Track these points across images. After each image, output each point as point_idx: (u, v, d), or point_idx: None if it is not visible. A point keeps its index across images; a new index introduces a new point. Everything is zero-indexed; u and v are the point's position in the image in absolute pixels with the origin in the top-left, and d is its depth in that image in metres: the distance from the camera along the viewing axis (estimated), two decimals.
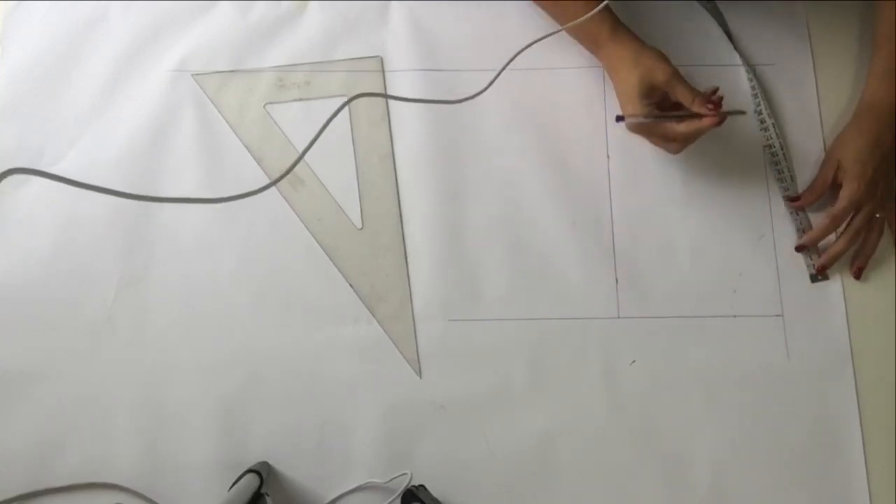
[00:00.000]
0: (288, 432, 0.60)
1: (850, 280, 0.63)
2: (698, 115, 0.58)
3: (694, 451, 0.60)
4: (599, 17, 0.59)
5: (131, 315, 0.63)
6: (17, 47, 0.71)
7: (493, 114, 0.68)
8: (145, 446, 0.60)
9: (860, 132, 0.62)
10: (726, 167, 0.67)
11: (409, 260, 0.65)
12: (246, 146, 0.68)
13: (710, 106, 0.57)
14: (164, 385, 0.61)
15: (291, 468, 0.59)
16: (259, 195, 0.66)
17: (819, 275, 0.63)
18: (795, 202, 0.64)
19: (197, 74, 0.70)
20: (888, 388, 0.61)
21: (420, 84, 0.69)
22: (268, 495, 0.54)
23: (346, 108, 0.68)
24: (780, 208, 0.66)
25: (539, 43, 0.70)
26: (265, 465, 0.58)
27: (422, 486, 0.57)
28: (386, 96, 0.57)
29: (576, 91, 0.69)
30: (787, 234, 0.65)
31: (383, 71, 0.70)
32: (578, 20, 0.56)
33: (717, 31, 0.71)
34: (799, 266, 0.64)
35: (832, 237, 0.64)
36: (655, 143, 0.64)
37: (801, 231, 0.65)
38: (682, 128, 0.59)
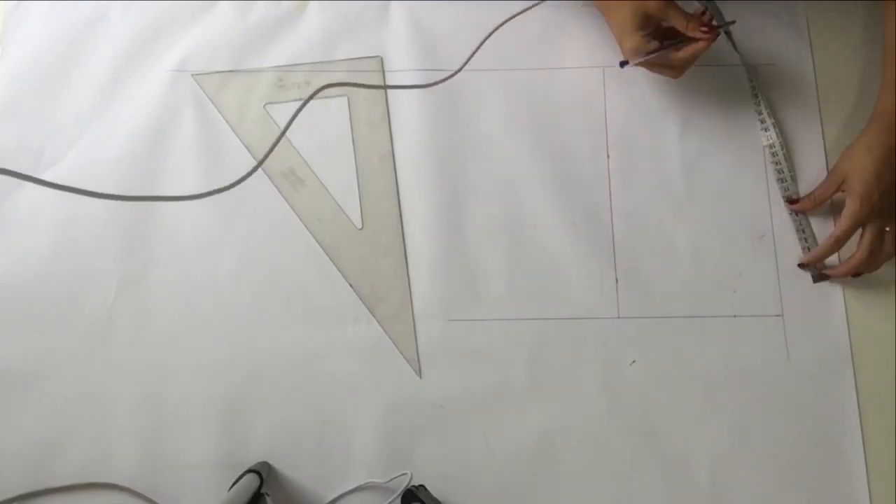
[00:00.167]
0: (288, 432, 0.60)
1: (850, 280, 0.63)
2: (693, 39, 0.60)
3: (694, 451, 0.60)
4: None
5: (131, 315, 0.63)
6: (17, 47, 0.71)
7: (493, 114, 0.68)
8: (145, 446, 0.60)
9: (869, 148, 0.60)
10: (726, 167, 0.67)
11: (409, 260, 0.65)
12: (246, 146, 0.68)
13: (704, 29, 0.59)
14: (164, 385, 0.61)
15: (291, 468, 0.59)
16: (259, 195, 0.66)
17: (821, 276, 0.63)
18: (793, 204, 0.64)
19: (197, 74, 0.70)
20: (888, 388, 0.61)
21: (420, 84, 0.69)
22: (268, 495, 0.54)
23: (347, 108, 0.69)
24: (780, 208, 0.66)
25: (539, 43, 0.71)
26: (265, 465, 0.58)
27: (422, 486, 0.57)
28: (352, 85, 0.56)
29: (576, 91, 0.69)
30: (787, 234, 0.65)
31: (383, 71, 0.70)
32: None
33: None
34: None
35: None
36: (655, 72, 0.65)
37: (801, 231, 0.65)
38: (681, 54, 0.61)
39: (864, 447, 0.59)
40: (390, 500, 0.58)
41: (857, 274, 0.62)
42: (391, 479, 0.58)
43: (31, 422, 0.60)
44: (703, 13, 0.61)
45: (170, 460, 0.59)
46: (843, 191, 0.62)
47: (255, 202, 0.66)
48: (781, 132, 0.67)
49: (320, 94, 0.68)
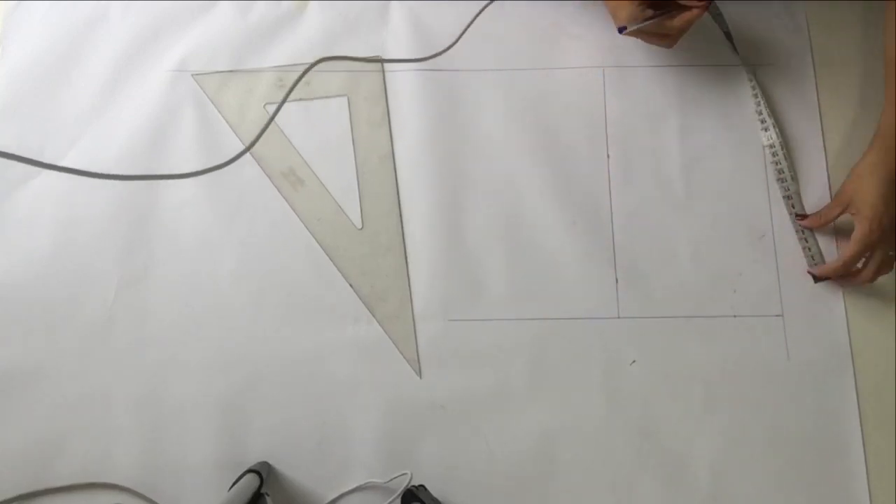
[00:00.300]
0: (288, 432, 0.60)
1: None
2: (687, 7, 0.60)
3: (694, 450, 0.60)
4: None
5: (131, 315, 0.63)
6: (17, 47, 0.71)
7: (493, 114, 0.68)
8: (145, 446, 0.60)
9: (873, 170, 0.59)
10: (726, 167, 0.67)
11: (409, 260, 0.65)
12: (246, 146, 0.68)
13: None
14: (164, 385, 0.61)
15: (291, 468, 0.59)
16: (259, 195, 0.66)
17: (822, 277, 0.63)
18: (802, 220, 0.64)
19: (197, 74, 0.70)
20: (888, 388, 0.61)
21: (420, 84, 0.69)
22: (268, 495, 0.54)
23: (347, 108, 0.69)
24: (780, 208, 0.66)
25: (539, 43, 0.71)
26: (265, 465, 0.58)
27: (422, 486, 0.57)
28: (342, 58, 0.56)
29: (576, 91, 0.69)
30: (787, 234, 0.65)
31: (383, 71, 0.70)
32: None
33: (717, 31, 0.71)
34: (799, 266, 0.64)
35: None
36: (649, 42, 0.65)
37: (801, 232, 0.65)
38: (676, 22, 0.61)
39: (864, 447, 0.59)
40: (390, 500, 0.58)
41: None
42: (391, 479, 0.58)
43: (31, 422, 0.60)
44: None
45: (170, 460, 0.59)
46: (850, 213, 0.61)
47: (255, 202, 0.66)
48: (781, 132, 0.67)
49: (320, 94, 0.68)
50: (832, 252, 0.64)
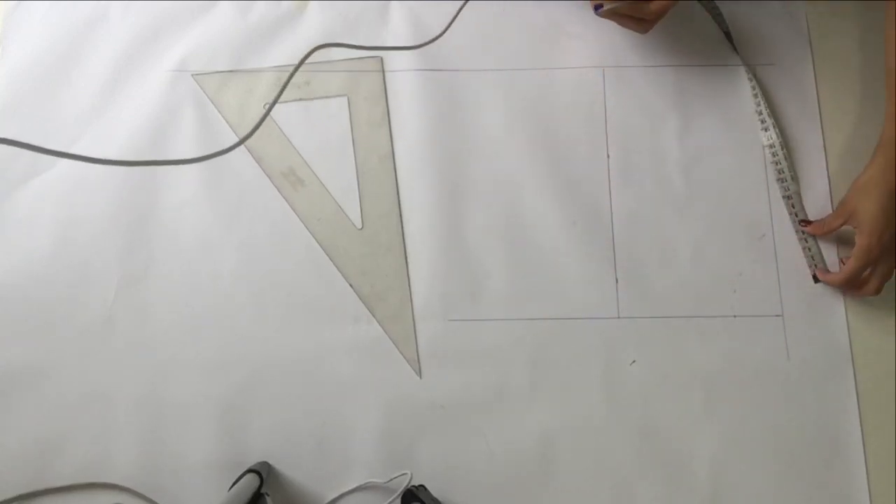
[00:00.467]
0: (288, 432, 0.60)
1: None
2: None
3: (694, 451, 0.60)
4: None
5: (131, 315, 0.63)
6: (17, 47, 0.71)
7: (493, 114, 0.68)
8: (145, 446, 0.60)
9: (875, 183, 0.59)
10: (726, 167, 0.67)
11: (409, 260, 0.65)
12: (246, 146, 0.68)
13: None
14: (164, 385, 0.61)
15: (291, 468, 0.59)
16: (259, 195, 0.66)
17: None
18: (805, 226, 0.64)
19: (197, 74, 0.70)
20: (888, 388, 0.61)
21: (420, 84, 0.69)
22: (268, 495, 0.54)
23: (347, 108, 0.69)
24: (780, 208, 0.66)
25: (539, 43, 0.71)
26: (265, 465, 0.58)
27: (422, 486, 0.57)
28: (336, 45, 0.56)
29: (576, 91, 0.69)
30: (787, 234, 0.65)
31: (383, 71, 0.70)
32: None
33: (717, 31, 0.71)
34: (799, 266, 0.64)
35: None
36: (625, 26, 0.64)
37: (801, 233, 0.65)
38: (652, 6, 0.60)
39: (864, 447, 0.59)
40: (390, 500, 0.58)
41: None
42: (391, 479, 0.58)
43: (32, 422, 0.60)
44: None
45: (170, 460, 0.59)
46: (852, 225, 0.61)
47: (255, 202, 0.66)
48: (781, 132, 0.67)
49: (320, 94, 0.68)
50: (832, 253, 0.64)
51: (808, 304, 0.63)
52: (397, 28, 0.71)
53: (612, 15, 0.63)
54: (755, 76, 0.69)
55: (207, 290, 0.64)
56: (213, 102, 0.69)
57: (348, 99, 0.69)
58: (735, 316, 0.63)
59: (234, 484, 0.56)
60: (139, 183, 0.66)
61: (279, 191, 0.67)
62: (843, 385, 0.61)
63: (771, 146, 0.67)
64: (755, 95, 0.68)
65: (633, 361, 0.62)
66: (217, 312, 0.63)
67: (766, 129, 0.67)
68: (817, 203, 0.65)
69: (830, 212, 0.64)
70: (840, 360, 0.62)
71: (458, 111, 0.69)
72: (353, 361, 0.62)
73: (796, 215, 0.65)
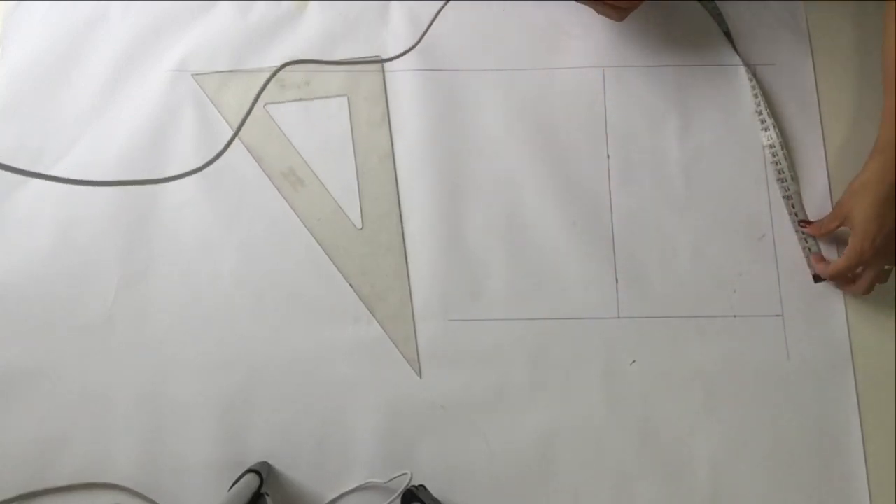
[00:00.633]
0: (288, 432, 0.60)
1: None
2: None
3: (694, 451, 0.60)
4: None
5: (131, 315, 0.63)
6: (17, 47, 0.71)
7: (493, 114, 0.68)
8: (145, 446, 0.60)
9: (869, 187, 0.59)
10: (726, 167, 0.67)
11: (409, 260, 0.65)
12: (246, 146, 0.68)
13: None
14: (164, 385, 0.61)
15: (291, 468, 0.59)
16: (259, 195, 0.66)
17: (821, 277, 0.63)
18: (804, 227, 0.64)
19: (197, 74, 0.70)
20: (888, 388, 0.61)
21: (420, 84, 0.69)
22: (268, 495, 0.54)
23: (347, 108, 0.69)
24: (780, 208, 0.66)
25: (539, 43, 0.71)
26: (265, 465, 0.58)
27: (422, 486, 0.57)
28: (309, 62, 0.56)
29: (576, 91, 0.69)
30: (787, 234, 0.65)
31: (383, 71, 0.70)
32: None
33: (717, 31, 0.71)
34: (799, 266, 0.64)
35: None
36: (600, 12, 0.65)
37: (802, 233, 0.65)
38: None
39: (864, 447, 0.59)
40: (390, 500, 0.58)
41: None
42: (391, 479, 0.58)
43: (31, 421, 0.60)
44: None
45: (170, 460, 0.59)
46: (847, 227, 0.61)
47: (255, 202, 0.66)
48: (781, 132, 0.67)
49: (320, 94, 0.68)
50: (833, 254, 0.64)
51: (808, 304, 0.63)
52: (397, 28, 0.71)
53: (589, 0, 0.63)
54: (755, 76, 0.69)
55: (207, 290, 0.64)
56: (213, 102, 0.69)
57: (348, 99, 0.69)
58: (735, 316, 0.63)
59: (234, 484, 0.56)
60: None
61: (279, 191, 0.67)
62: (843, 385, 0.61)
63: (771, 146, 0.67)
64: (755, 95, 0.68)
65: (633, 361, 0.62)
66: (217, 312, 0.63)
67: (766, 129, 0.67)
68: (817, 203, 0.65)
69: (829, 212, 0.64)
70: (840, 360, 0.62)
71: (458, 111, 0.69)
72: (353, 361, 0.62)
73: (796, 215, 0.65)
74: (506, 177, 0.67)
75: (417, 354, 0.62)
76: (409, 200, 0.66)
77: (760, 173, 0.67)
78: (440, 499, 0.56)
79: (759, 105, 0.68)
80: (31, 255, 0.65)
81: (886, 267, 0.60)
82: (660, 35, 0.71)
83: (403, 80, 0.70)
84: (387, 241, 0.65)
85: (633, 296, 0.63)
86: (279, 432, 0.60)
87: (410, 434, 0.60)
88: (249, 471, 0.56)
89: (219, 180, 0.67)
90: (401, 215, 0.66)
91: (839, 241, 0.64)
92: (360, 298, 0.64)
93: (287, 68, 0.70)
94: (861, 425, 0.60)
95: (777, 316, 0.63)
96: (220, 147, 0.68)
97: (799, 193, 0.65)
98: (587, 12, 0.71)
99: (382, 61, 0.67)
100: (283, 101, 0.69)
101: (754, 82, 0.68)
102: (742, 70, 0.69)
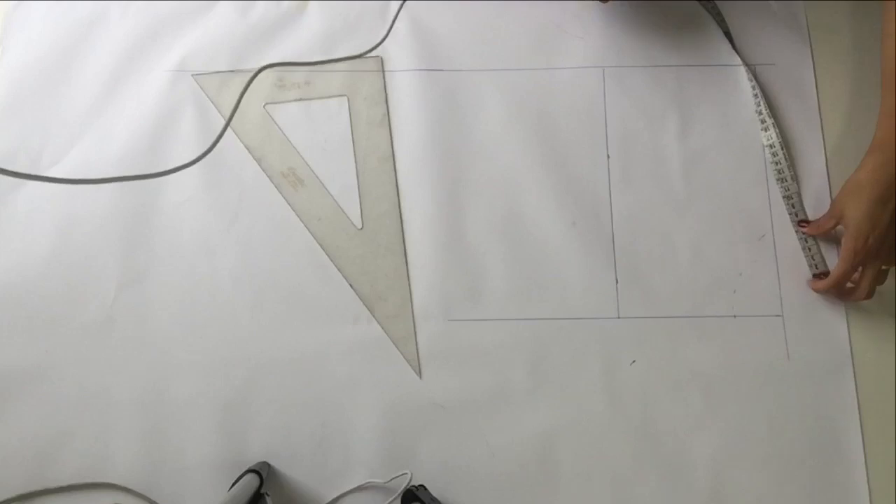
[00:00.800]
0: (288, 432, 0.60)
1: None
2: None
3: (694, 451, 0.60)
4: None
5: (131, 315, 0.63)
6: (17, 47, 0.71)
7: (493, 114, 0.68)
8: (145, 446, 0.60)
9: (863, 187, 0.59)
10: (726, 167, 0.67)
11: (409, 260, 0.65)
12: (246, 146, 0.68)
13: None
14: (164, 385, 0.61)
15: (291, 468, 0.59)
16: (259, 195, 0.66)
17: (823, 275, 0.63)
18: (802, 227, 0.64)
19: (197, 74, 0.70)
20: (888, 388, 0.61)
21: (420, 84, 0.69)
22: (268, 495, 0.54)
23: (347, 108, 0.69)
24: (780, 208, 0.66)
25: (539, 43, 0.71)
26: (265, 465, 0.58)
27: (422, 486, 0.57)
28: (287, 64, 0.57)
29: (576, 91, 0.69)
30: (787, 234, 0.65)
31: (383, 71, 0.70)
32: None
33: (717, 31, 0.71)
34: (799, 266, 0.64)
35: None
36: None
37: (802, 233, 0.65)
38: None
39: (864, 447, 0.59)
40: (390, 500, 0.58)
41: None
42: (391, 479, 0.58)
43: (31, 421, 0.60)
44: None
45: (170, 460, 0.59)
46: (843, 226, 0.61)
47: (255, 202, 0.66)
48: (781, 132, 0.67)
49: (320, 94, 0.68)
50: (833, 253, 0.64)
51: (808, 304, 0.63)
52: (397, 28, 0.71)
53: None
54: (755, 76, 0.69)
55: (207, 290, 0.64)
56: (213, 102, 0.69)
57: (348, 99, 0.69)
58: (735, 316, 0.63)
59: (234, 484, 0.56)
60: (139, 183, 0.66)
61: (279, 190, 0.67)
62: (843, 385, 0.61)
63: (771, 146, 0.67)
64: (755, 95, 0.68)
65: (633, 361, 0.62)
66: (217, 312, 0.63)
67: (766, 129, 0.67)
68: (817, 203, 0.65)
69: (826, 212, 0.64)
70: (840, 360, 0.62)
71: (458, 111, 0.69)
72: (353, 361, 0.62)
73: (796, 215, 0.65)
74: (506, 177, 0.67)
75: (417, 354, 0.62)
76: (409, 200, 0.66)
77: (760, 173, 0.67)
78: (440, 499, 0.56)
79: (759, 105, 0.68)
80: (31, 255, 0.65)
81: (884, 267, 0.60)
82: (660, 35, 0.71)
83: (403, 80, 0.70)
84: (387, 241, 0.65)
85: (633, 296, 0.63)
86: (279, 432, 0.60)
87: (410, 434, 0.60)
88: (249, 471, 0.56)
89: (218, 180, 0.67)
90: (401, 215, 0.66)
91: (838, 242, 0.64)
92: (360, 298, 0.64)
93: (288, 68, 0.70)
94: (861, 425, 0.60)
95: (777, 316, 0.63)
96: (219, 147, 0.68)
97: (799, 193, 0.65)
98: (587, 12, 0.71)
99: (352, 58, 0.66)
100: (283, 102, 0.69)
101: (754, 82, 0.68)
102: (742, 70, 0.69)
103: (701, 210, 0.66)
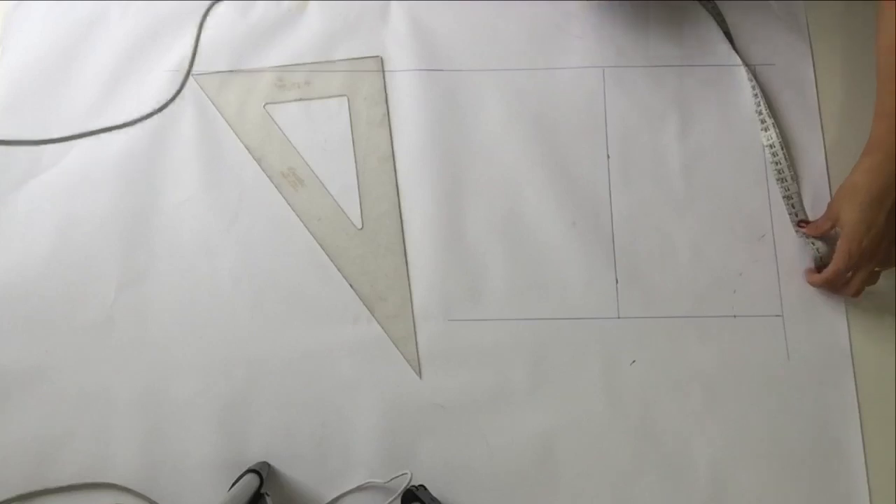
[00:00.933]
0: (288, 432, 0.60)
1: None
2: None
3: (694, 450, 0.60)
4: None
5: (131, 315, 0.63)
6: (17, 47, 0.71)
7: (493, 114, 0.68)
8: (145, 446, 0.60)
9: (856, 190, 0.59)
10: (726, 167, 0.67)
11: (409, 260, 0.65)
12: (246, 146, 0.68)
13: None
14: (164, 385, 0.61)
15: (291, 468, 0.59)
16: (259, 195, 0.66)
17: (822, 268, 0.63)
18: (802, 227, 0.64)
19: (197, 74, 0.70)
20: (888, 388, 0.61)
21: (420, 84, 0.69)
22: (268, 495, 0.54)
23: (347, 108, 0.69)
24: (780, 208, 0.66)
25: (539, 43, 0.71)
26: (265, 465, 0.58)
27: (422, 486, 0.57)
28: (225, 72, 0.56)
29: (576, 91, 0.69)
30: (787, 234, 0.65)
31: (383, 71, 0.70)
32: None
33: (717, 31, 0.71)
34: (799, 266, 0.64)
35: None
36: None
37: (801, 232, 0.65)
38: None
39: (864, 447, 0.59)
40: (390, 500, 0.58)
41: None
42: (391, 479, 0.58)
43: (31, 421, 0.60)
44: None
45: (170, 460, 0.59)
46: (838, 227, 0.61)
47: (255, 202, 0.66)
48: (781, 132, 0.67)
49: (320, 94, 0.68)
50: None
51: (808, 304, 0.63)
52: (397, 28, 0.71)
53: None
54: (755, 76, 0.69)
55: (207, 290, 0.64)
56: (213, 102, 0.69)
57: (348, 99, 0.69)
58: (735, 316, 0.63)
59: (234, 484, 0.56)
60: (139, 183, 0.66)
61: (279, 190, 0.67)
62: (843, 385, 0.61)
63: (771, 146, 0.67)
64: (755, 95, 0.68)
65: (633, 361, 0.62)
66: (217, 312, 0.63)
67: (766, 130, 0.67)
68: (817, 203, 0.65)
69: (823, 213, 0.64)
70: (840, 360, 0.62)
71: (458, 111, 0.69)
72: (353, 361, 0.62)
73: (796, 215, 0.65)
74: (506, 177, 0.67)
75: (417, 354, 0.62)
76: (408, 200, 0.66)
77: (760, 173, 0.67)
78: (440, 499, 0.56)
79: (759, 105, 0.68)
80: (31, 255, 0.65)
81: (876, 269, 0.60)
82: (660, 35, 0.71)
83: (403, 80, 0.70)
84: (387, 241, 0.65)
85: (633, 296, 0.63)
86: (279, 432, 0.60)
87: (410, 434, 0.60)
88: (249, 471, 0.56)
89: (218, 180, 0.67)
90: (401, 215, 0.66)
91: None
92: (360, 298, 0.64)
93: (287, 68, 0.70)
94: (861, 425, 0.60)
95: (777, 316, 0.63)
96: (219, 147, 0.68)
97: (799, 193, 0.65)
98: (587, 12, 0.71)
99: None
100: (283, 102, 0.69)
101: (754, 82, 0.68)
102: (742, 70, 0.69)
103: (701, 210, 0.66)
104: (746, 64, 0.69)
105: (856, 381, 0.61)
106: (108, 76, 0.70)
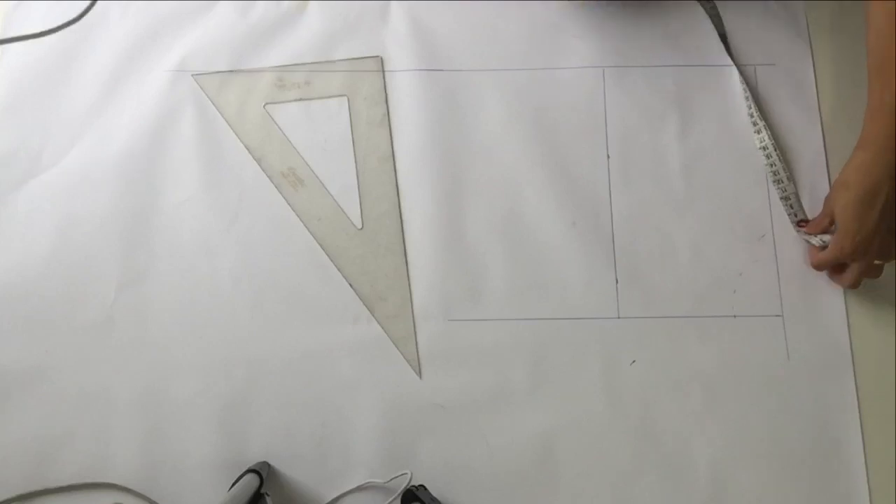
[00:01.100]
0: (288, 432, 0.60)
1: None
2: None
3: (694, 450, 0.60)
4: None
5: (131, 315, 0.63)
6: (17, 47, 0.71)
7: (493, 114, 0.68)
8: (145, 446, 0.60)
9: (849, 186, 0.59)
10: (726, 167, 0.67)
11: (409, 260, 0.65)
12: (246, 146, 0.68)
13: None
14: (164, 385, 0.61)
15: (291, 468, 0.59)
16: (259, 195, 0.66)
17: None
18: (802, 226, 0.64)
19: (197, 74, 0.70)
20: (888, 388, 0.61)
21: (420, 84, 0.69)
22: (268, 495, 0.54)
23: (347, 108, 0.69)
24: (780, 208, 0.66)
25: (539, 43, 0.71)
26: (265, 465, 0.58)
27: (422, 486, 0.57)
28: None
29: (576, 91, 0.69)
30: (787, 234, 0.65)
31: (383, 71, 0.70)
32: None
33: (715, 32, 0.71)
34: (799, 266, 0.64)
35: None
36: None
37: (802, 231, 0.65)
38: None
39: (864, 447, 0.59)
40: (390, 500, 0.58)
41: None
42: (391, 479, 0.58)
43: (31, 421, 0.60)
44: None
45: (170, 460, 0.59)
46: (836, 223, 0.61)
47: (255, 202, 0.66)
48: (781, 133, 0.67)
49: (320, 94, 0.68)
50: None
51: (808, 304, 0.63)
52: (397, 28, 0.71)
53: None
54: (755, 76, 0.69)
55: (207, 290, 0.64)
56: (213, 102, 0.69)
57: (348, 99, 0.69)
58: (735, 316, 0.63)
59: (234, 484, 0.56)
60: (139, 182, 0.66)
61: (279, 190, 0.67)
62: (843, 385, 0.61)
63: (764, 148, 0.67)
64: (746, 98, 0.68)
65: (633, 361, 0.62)
66: (217, 312, 0.63)
67: (758, 132, 0.67)
68: (817, 203, 0.65)
69: (820, 210, 0.64)
70: (840, 360, 0.62)
71: (458, 111, 0.69)
72: (353, 361, 0.62)
73: (795, 215, 0.65)
74: (506, 177, 0.67)
75: (417, 354, 0.62)
76: (408, 200, 0.66)
77: (760, 173, 0.67)
78: (440, 499, 0.56)
79: (750, 108, 0.67)
80: (30, 255, 0.65)
81: (877, 262, 0.60)
82: (659, 35, 0.71)
83: (403, 80, 0.70)
84: (387, 241, 0.65)
85: (633, 296, 0.63)
86: (279, 432, 0.60)
87: (410, 434, 0.60)
88: (249, 471, 0.56)
89: (218, 180, 0.67)
90: (401, 215, 0.66)
91: None
92: (360, 298, 0.64)
93: (287, 68, 0.70)
94: (861, 425, 0.60)
95: (777, 316, 0.63)
96: (219, 147, 0.68)
97: (797, 194, 0.65)
98: (587, 12, 0.71)
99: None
100: (283, 102, 0.69)
101: (744, 84, 0.68)
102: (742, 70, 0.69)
103: (701, 210, 0.66)
104: (738, 65, 0.69)
105: (856, 381, 0.61)
106: (108, 76, 0.70)
